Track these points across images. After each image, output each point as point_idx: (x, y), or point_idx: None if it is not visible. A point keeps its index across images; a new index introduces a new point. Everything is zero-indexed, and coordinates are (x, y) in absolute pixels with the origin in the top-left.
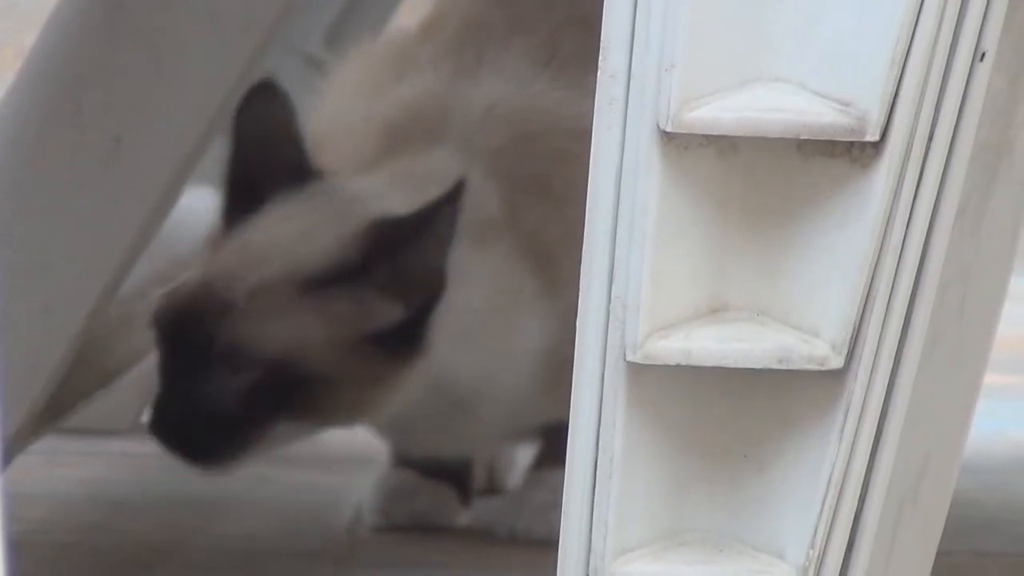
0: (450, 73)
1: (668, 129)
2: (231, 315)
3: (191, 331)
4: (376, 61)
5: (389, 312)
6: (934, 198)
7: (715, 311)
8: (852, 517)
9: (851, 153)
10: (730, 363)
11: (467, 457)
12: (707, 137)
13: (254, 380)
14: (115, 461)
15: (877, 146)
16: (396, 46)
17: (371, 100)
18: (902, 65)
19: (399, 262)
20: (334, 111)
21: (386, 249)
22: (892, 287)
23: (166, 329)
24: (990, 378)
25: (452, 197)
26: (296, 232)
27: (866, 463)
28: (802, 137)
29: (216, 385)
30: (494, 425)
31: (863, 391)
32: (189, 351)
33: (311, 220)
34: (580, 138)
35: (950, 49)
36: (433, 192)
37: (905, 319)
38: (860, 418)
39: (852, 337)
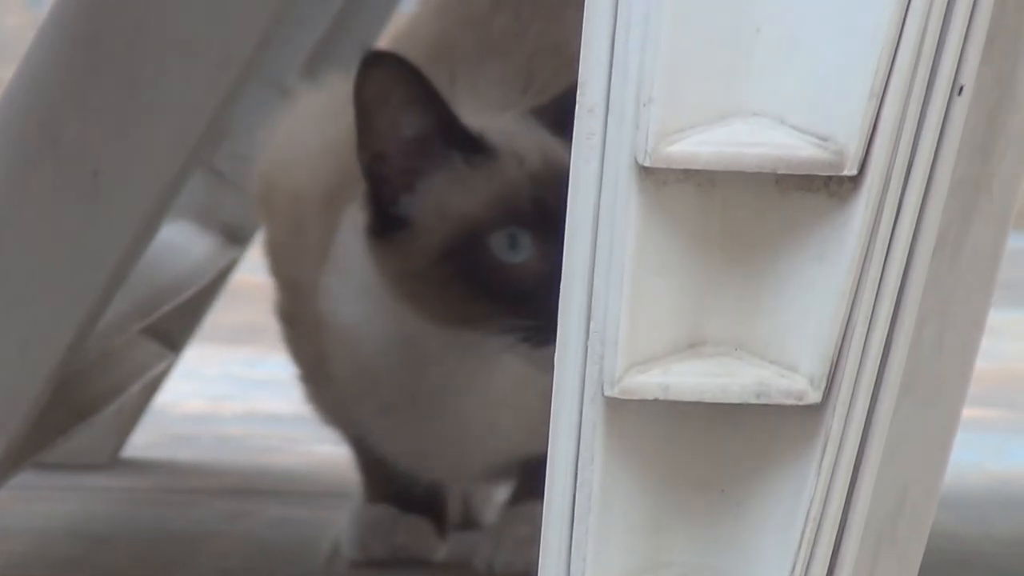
0: None
1: (646, 163)
2: None
3: None
4: (341, 88)
5: None
6: (912, 232)
7: (693, 345)
8: (830, 551)
9: (829, 187)
10: (708, 398)
11: (444, 486)
12: (685, 171)
13: None
14: (94, 496)
15: (855, 180)
16: None
17: (333, 123)
18: (880, 99)
19: None
20: (296, 136)
21: None
22: (870, 321)
23: None
24: (968, 412)
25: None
26: None
27: (844, 497)
28: (780, 172)
29: None
30: (477, 442)
31: (841, 425)
32: None
33: None
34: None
35: (928, 83)
36: None
37: (883, 353)
38: (838, 452)
39: (830, 371)
